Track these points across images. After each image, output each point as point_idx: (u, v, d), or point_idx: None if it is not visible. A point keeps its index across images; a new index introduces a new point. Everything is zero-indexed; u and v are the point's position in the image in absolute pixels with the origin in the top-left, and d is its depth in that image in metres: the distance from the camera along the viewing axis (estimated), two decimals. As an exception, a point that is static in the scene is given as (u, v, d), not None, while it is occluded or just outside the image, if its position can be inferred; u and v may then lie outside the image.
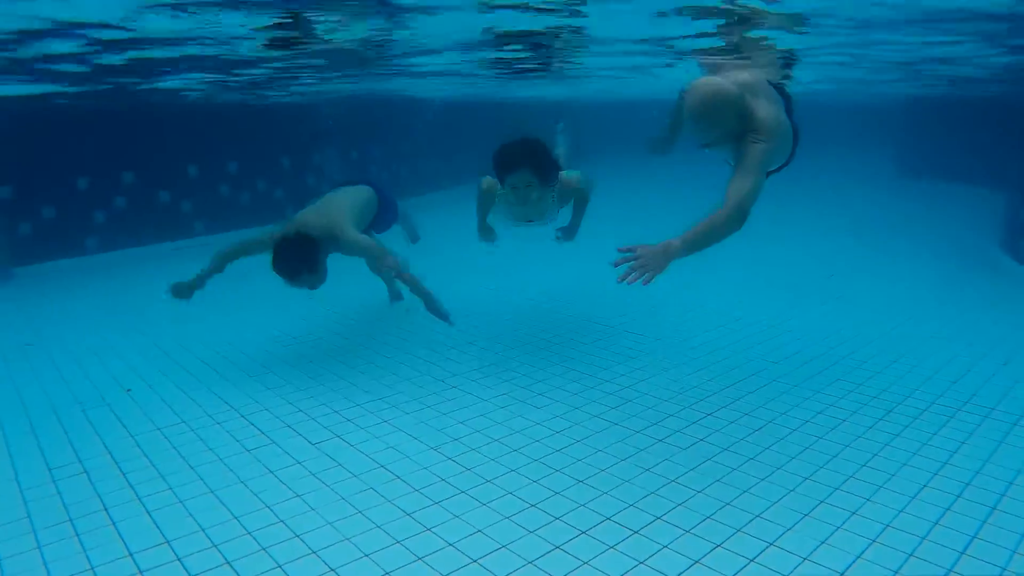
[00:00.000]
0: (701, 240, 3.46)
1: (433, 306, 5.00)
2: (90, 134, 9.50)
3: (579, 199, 5.35)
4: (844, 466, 3.82)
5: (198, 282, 5.15)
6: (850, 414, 4.46)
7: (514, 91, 11.45)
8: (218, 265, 5.13)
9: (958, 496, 3.53)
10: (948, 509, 3.42)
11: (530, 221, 5.18)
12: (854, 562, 3.03)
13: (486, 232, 5.62)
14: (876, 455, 3.95)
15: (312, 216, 5.08)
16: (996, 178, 10.91)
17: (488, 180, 5.17)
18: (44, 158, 9.13)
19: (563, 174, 5.11)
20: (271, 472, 3.87)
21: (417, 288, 4.96)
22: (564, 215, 5.48)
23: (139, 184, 10.01)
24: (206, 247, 6.18)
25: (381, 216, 5.74)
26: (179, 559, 3.14)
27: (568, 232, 5.60)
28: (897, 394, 4.73)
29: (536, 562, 3.07)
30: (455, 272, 7.85)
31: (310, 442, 4.22)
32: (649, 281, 3.22)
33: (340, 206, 5.22)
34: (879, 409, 4.52)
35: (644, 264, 3.25)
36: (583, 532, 3.28)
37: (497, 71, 8.11)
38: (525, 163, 4.68)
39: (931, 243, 9.66)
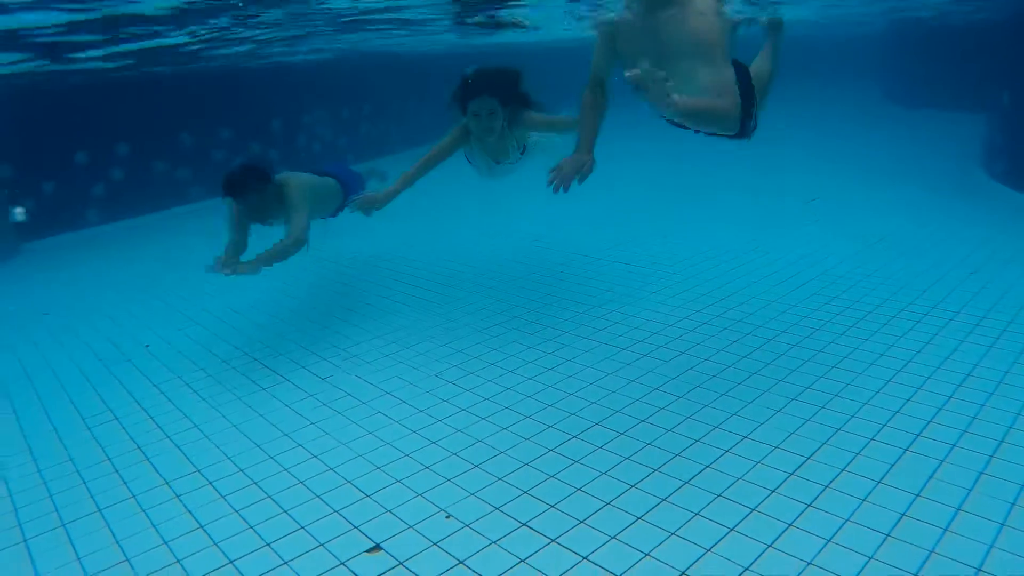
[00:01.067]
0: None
1: (269, 258, 4.66)
2: (83, 108, 9.68)
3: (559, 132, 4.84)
4: (818, 369, 4.16)
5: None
6: (824, 322, 4.78)
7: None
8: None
9: (919, 388, 3.88)
10: (909, 400, 3.76)
11: (498, 163, 4.92)
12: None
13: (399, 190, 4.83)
14: (846, 358, 4.28)
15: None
16: (978, 103, 11.10)
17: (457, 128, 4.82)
18: (40, 135, 9.34)
19: (535, 114, 4.77)
20: (286, 405, 4.20)
21: (282, 251, 4.71)
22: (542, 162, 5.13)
23: (135, 155, 10.22)
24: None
25: (348, 195, 5.66)
26: (210, 483, 3.48)
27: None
28: (868, 304, 5.05)
29: (559, 476, 3.40)
30: (450, 217, 8.11)
31: (319, 376, 4.54)
32: (567, 188, 3.46)
33: (298, 176, 5.28)
34: (851, 318, 4.84)
35: (564, 174, 3.48)
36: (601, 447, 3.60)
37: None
38: (487, 88, 4.51)
39: (913, 167, 9.87)
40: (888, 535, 2.76)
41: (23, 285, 7.54)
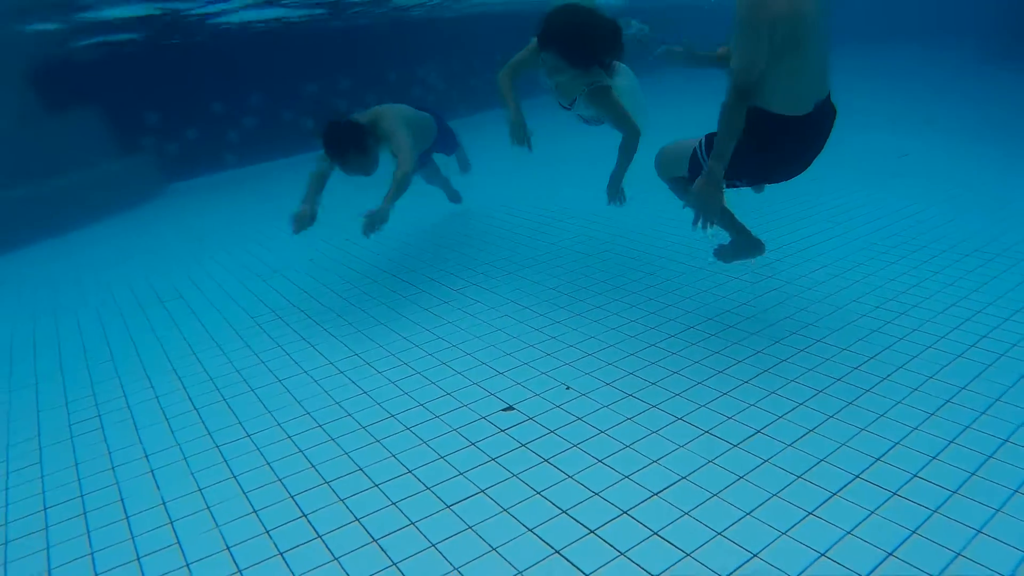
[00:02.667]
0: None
1: (392, 198, 4.80)
2: (218, 62, 10.61)
3: (625, 134, 4.56)
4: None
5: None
6: (902, 272, 5.00)
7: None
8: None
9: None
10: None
11: (565, 107, 4.64)
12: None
13: (517, 127, 4.60)
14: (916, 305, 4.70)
15: (361, 114, 5.36)
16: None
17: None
18: (183, 87, 10.31)
19: (613, 88, 4.44)
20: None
21: (398, 184, 4.85)
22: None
23: (265, 105, 11.13)
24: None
25: (440, 143, 6.05)
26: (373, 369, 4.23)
27: (610, 185, 4.81)
28: (936, 248, 5.36)
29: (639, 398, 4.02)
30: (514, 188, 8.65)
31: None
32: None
33: (392, 107, 5.44)
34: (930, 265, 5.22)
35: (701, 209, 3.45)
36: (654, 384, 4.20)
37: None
38: (554, 45, 4.14)
39: (1003, 127, 9.53)
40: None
41: (175, 217, 8.51)
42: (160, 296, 5.65)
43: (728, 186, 3.57)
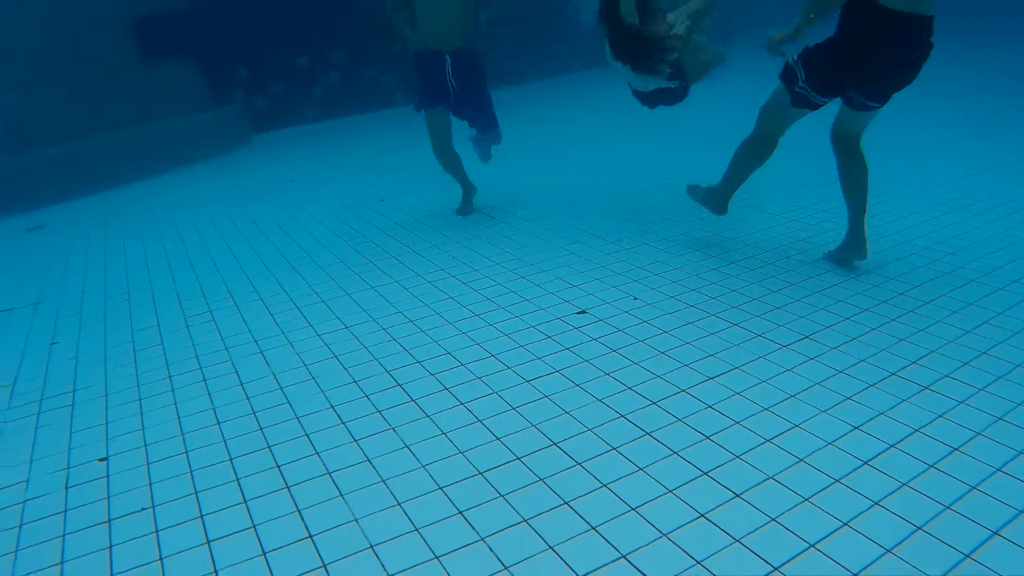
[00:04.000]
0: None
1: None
2: (304, 19, 11.06)
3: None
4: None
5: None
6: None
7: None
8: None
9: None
10: None
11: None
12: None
13: None
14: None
15: None
16: None
17: None
18: (270, 42, 10.80)
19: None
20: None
21: None
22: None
23: (348, 62, 11.58)
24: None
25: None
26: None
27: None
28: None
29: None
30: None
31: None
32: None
33: None
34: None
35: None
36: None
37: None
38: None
39: None
40: None
41: (263, 162, 9.00)
42: (256, 222, 6.13)
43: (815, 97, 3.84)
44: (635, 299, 4.11)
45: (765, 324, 3.72)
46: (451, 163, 5.70)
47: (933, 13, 3.51)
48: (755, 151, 4.29)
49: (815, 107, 3.95)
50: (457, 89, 5.33)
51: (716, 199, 4.63)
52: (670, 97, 4.26)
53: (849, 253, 4.25)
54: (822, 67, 3.78)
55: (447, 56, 5.22)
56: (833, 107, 4.03)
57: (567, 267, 4.65)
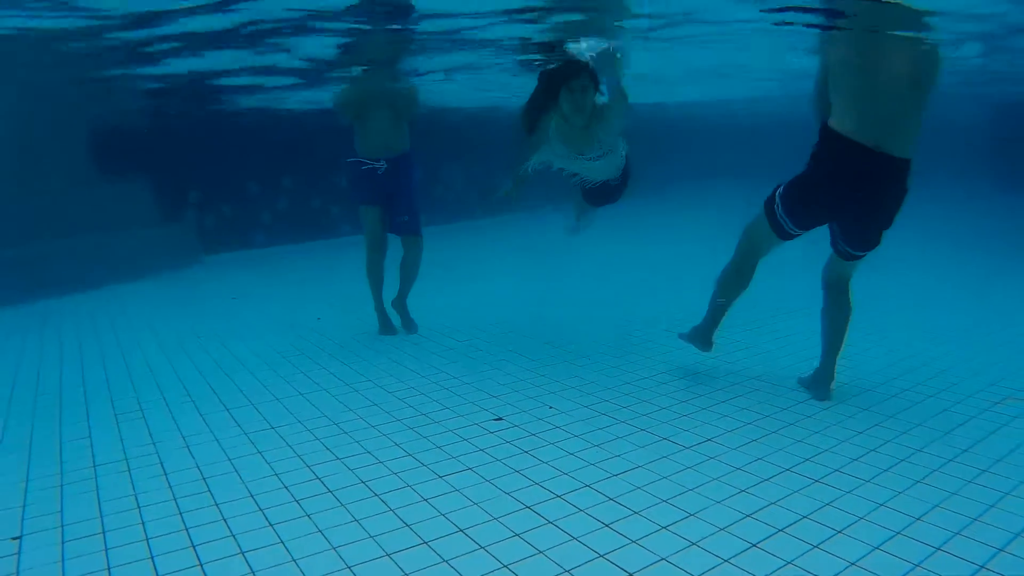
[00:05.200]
0: None
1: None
2: (255, 145, 11.45)
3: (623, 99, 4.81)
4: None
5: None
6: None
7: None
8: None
9: None
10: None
11: (581, 154, 4.85)
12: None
13: (517, 184, 5.11)
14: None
15: None
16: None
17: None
18: (221, 166, 11.15)
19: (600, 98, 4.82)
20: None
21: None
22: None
23: (296, 189, 11.94)
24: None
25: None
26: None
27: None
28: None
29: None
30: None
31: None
32: None
33: None
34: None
35: None
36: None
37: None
38: (584, 70, 4.70)
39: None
40: None
41: (210, 281, 9.19)
42: (197, 333, 6.30)
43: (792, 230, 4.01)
44: (551, 408, 4.35)
45: (669, 428, 3.98)
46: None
47: (908, 157, 3.64)
48: (734, 279, 4.38)
49: (789, 237, 4.09)
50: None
51: (702, 335, 4.67)
52: (616, 193, 5.15)
53: (813, 390, 4.40)
54: (795, 195, 3.93)
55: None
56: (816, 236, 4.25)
57: (490, 380, 4.89)
